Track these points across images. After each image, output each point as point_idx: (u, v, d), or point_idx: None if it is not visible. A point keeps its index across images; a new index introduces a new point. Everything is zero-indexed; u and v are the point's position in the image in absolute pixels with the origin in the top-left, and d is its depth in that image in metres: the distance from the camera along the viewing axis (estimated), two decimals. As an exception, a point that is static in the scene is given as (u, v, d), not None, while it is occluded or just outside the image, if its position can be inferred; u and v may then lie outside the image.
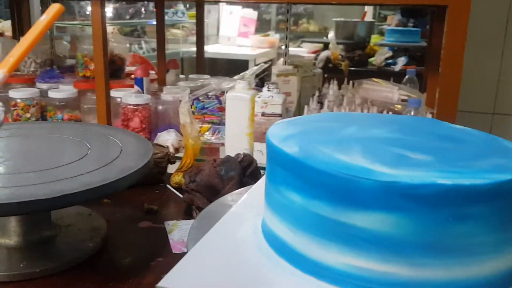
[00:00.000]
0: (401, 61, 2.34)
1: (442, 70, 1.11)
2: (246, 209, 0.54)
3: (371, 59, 2.46)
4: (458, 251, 0.37)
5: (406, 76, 1.55)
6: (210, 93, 1.43)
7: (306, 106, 1.34)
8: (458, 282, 0.38)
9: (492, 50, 1.43)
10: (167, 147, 0.99)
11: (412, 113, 1.17)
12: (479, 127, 0.52)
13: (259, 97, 1.17)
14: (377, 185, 0.37)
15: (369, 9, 2.99)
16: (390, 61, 2.41)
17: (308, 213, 0.41)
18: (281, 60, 1.68)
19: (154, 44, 2.62)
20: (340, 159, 0.40)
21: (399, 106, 1.34)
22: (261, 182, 0.61)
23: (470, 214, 0.37)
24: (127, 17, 2.47)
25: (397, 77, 1.56)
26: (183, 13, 2.44)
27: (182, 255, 0.44)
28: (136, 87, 1.42)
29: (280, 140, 0.45)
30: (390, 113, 1.28)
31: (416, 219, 0.37)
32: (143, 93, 1.40)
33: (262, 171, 0.85)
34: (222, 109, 1.37)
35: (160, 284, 0.38)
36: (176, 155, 1.02)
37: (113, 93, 1.29)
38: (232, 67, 2.45)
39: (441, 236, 0.37)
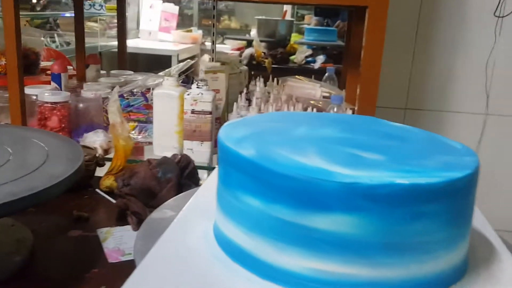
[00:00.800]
0: (320, 59, 2.42)
1: (363, 68, 1.16)
2: (194, 214, 0.51)
3: (292, 57, 2.51)
4: (415, 249, 0.38)
5: (326, 74, 1.60)
6: (135, 90, 1.38)
7: (235, 103, 1.33)
8: (416, 279, 0.39)
9: (404, 50, 1.52)
10: (95, 149, 0.93)
11: (335, 109, 1.20)
12: (392, 121, 0.55)
13: (188, 94, 1.14)
14: (338, 187, 0.37)
15: (288, 8, 3.06)
16: (309, 59, 2.48)
17: (267, 217, 0.39)
18: (206, 56, 1.65)
19: (68, 38, 2.46)
20: (299, 161, 0.40)
21: (322, 103, 1.38)
22: (208, 184, 0.58)
23: (425, 212, 0.38)
24: (38, 8, 2.29)
25: (317, 75, 1.61)
26: (100, 5, 2.32)
27: (119, 264, 0.41)
28: (53, 84, 1.33)
29: (234, 142, 0.44)
30: (314, 109, 1.31)
31: (375, 219, 0.37)
32: (61, 90, 1.31)
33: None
34: (148, 107, 1.32)
35: (114, 302, 0.35)
36: (105, 156, 0.96)
37: (28, 90, 1.20)
38: (154, 62, 2.37)
39: (399, 234, 0.38)
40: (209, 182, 0.56)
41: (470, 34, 1.47)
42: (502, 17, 1.43)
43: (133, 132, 1.33)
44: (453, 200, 0.39)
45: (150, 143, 1.27)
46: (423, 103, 1.55)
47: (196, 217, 0.51)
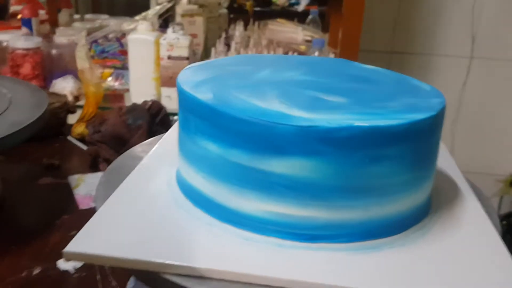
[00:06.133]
0: (304, 1, 2.34)
1: (345, 10, 1.13)
2: (158, 160, 0.51)
3: (274, -1, 2.43)
4: (374, 192, 0.38)
5: (309, 17, 1.56)
6: (110, 35, 1.33)
7: (213, 48, 1.30)
8: (374, 221, 0.39)
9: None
10: (65, 96, 0.91)
11: (316, 53, 1.18)
12: (378, 65, 0.53)
13: (164, 39, 1.11)
14: (295, 130, 0.36)
15: None
16: (293, 1, 2.40)
17: (225, 162, 0.39)
18: (185, -1, 1.59)
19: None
20: (257, 104, 0.39)
21: (303, 47, 1.35)
22: (173, 130, 0.58)
23: (386, 154, 0.37)
24: None
25: (300, 18, 1.57)
26: None
27: (90, 211, 0.41)
28: (24, 29, 1.28)
29: (192, 86, 0.42)
30: (295, 54, 1.28)
31: (333, 162, 0.37)
32: (32, 35, 1.26)
33: (172, 118, 0.81)
34: (124, 53, 1.28)
35: (68, 248, 0.34)
36: (76, 104, 0.94)
37: (-3, 36, 1.16)
38: (132, 6, 2.29)
39: (358, 178, 0.37)
40: (176, 128, 0.55)
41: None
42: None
43: (109, 79, 1.30)
44: (415, 142, 0.39)
45: (128, 90, 1.25)
46: (409, 47, 1.52)
47: (160, 163, 0.50)
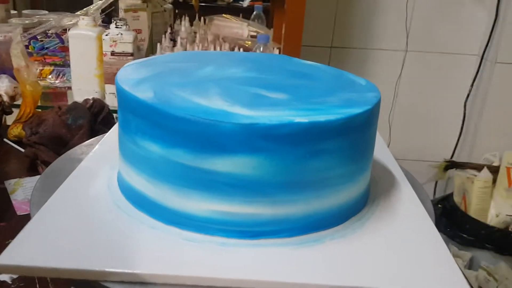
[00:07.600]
0: (249, -4, 2.34)
1: (287, 6, 1.13)
2: (98, 162, 0.49)
3: (220, -6, 2.42)
4: (315, 185, 0.38)
5: (254, 12, 1.57)
6: (50, 31, 1.28)
7: (158, 44, 1.28)
8: (316, 214, 0.39)
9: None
10: (0, 96, 0.86)
11: (261, 49, 1.18)
12: (319, 59, 0.54)
13: (107, 35, 1.08)
14: (237, 128, 0.36)
15: None
16: (238, -4, 2.40)
17: (167, 162, 0.38)
18: (128, -7, 1.55)
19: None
20: (198, 102, 0.38)
21: (249, 42, 1.35)
22: (114, 130, 0.56)
23: (325, 149, 0.38)
24: None
25: (246, 13, 1.57)
26: None
27: (28, 217, 0.39)
28: (-47, 25, 1.20)
29: (131, 84, 0.41)
30: (241, 49, 1.28)
31: (275, 159, 0.37)
32: (-37, 32, 1.19)
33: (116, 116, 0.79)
34: (65, 49, 1.23)
35: (-1, 260, 0.32)
36: (13, 104, 0.89)
37: None
38: (73, 1, 2.20)
39: (299, 172, 0.38)
40: (117, 127, 0.54)
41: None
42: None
43: (50, 76, 1.24)
44: (352, 135, 0.39)
45: (70, 88, 1.20)
46: (348, 41, 1.56)
47: (100, 165, 0.48)
